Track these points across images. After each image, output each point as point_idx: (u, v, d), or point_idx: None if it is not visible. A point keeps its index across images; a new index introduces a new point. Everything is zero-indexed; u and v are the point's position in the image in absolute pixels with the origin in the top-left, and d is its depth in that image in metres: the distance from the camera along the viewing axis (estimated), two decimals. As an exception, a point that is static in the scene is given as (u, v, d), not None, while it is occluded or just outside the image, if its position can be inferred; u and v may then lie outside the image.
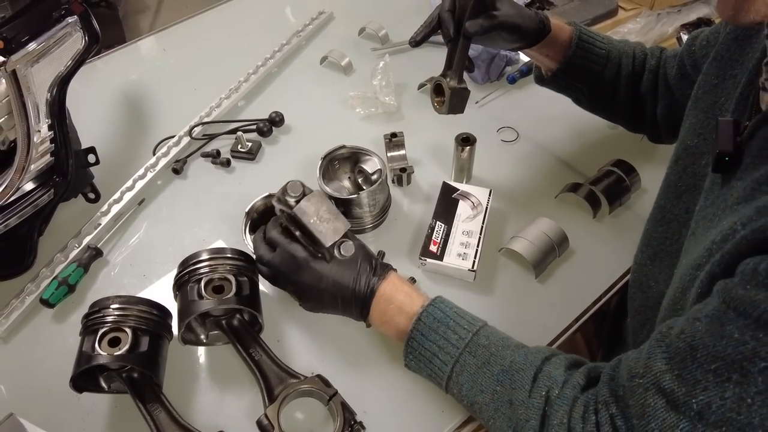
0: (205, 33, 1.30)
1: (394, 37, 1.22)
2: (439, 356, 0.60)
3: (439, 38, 1.21)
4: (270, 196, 0.80)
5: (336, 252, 0.61)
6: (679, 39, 2.15)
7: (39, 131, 0.83)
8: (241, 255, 0.73)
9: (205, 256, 0.71)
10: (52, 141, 0.84)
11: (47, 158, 0.83)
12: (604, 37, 0.84)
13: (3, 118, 0.81)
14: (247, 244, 0.78)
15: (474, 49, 1.05)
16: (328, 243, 0.60)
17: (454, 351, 0.59)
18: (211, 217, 0.92)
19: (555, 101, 0.93)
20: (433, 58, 1.17)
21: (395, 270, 0.69)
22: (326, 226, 0.58)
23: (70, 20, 0.89)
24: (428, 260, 0.80)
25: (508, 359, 0.57)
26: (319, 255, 0.63)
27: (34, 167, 0.82)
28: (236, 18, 1.34)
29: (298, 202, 0.58)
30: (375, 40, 1.21)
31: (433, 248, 0.81)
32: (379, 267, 0.67)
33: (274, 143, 1.02)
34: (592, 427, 0.48)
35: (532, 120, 1.04)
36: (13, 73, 0.81)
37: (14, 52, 0.82)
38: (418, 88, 1.10)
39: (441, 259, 0.79)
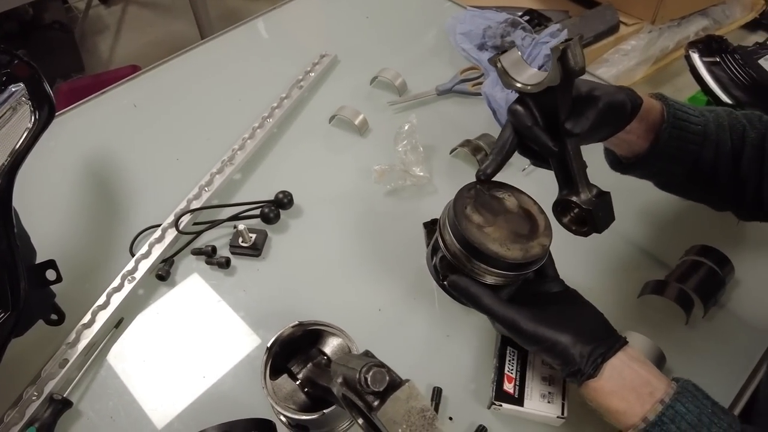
0: (183, 83, 1.09)
1: (413, 86, 1.03)
2: None
3: (465, 87, 1.05)
4: (301, 324, 0.61)
5: None
6: (688, 57, 2.03)
7: (-24, 254, 0.62)
8: (261, 427, 0.54)
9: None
10: (-6, 264, 0.63)
11: (-11, 287, 0.63)
12: (695, 108, 0.68)
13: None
14: (267, 394, 0.59)
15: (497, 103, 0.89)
16: None
17: None
18: (213, 340, 0.72)
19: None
20: (463, 111, 1.00)
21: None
22: (419, 439, 0.39)
23: (14, 89, 0.69)
24: (505, 405, 0.62)
25: None
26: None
27: (-27, 302, 0.62)
28: (219, 63, 1.13)
29: (382, 399, 0.39)
30: (391, 90, 1.03)
31: (508, 387, 0.63)
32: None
33: (282, 231, 0.83)
34: None
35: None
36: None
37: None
38: (451, 153, 0.92)
39: (521, 404, 0.62)
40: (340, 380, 0.42)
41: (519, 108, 0.55)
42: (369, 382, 0.38)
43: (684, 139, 0.65)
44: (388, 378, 0.39)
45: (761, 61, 1.82)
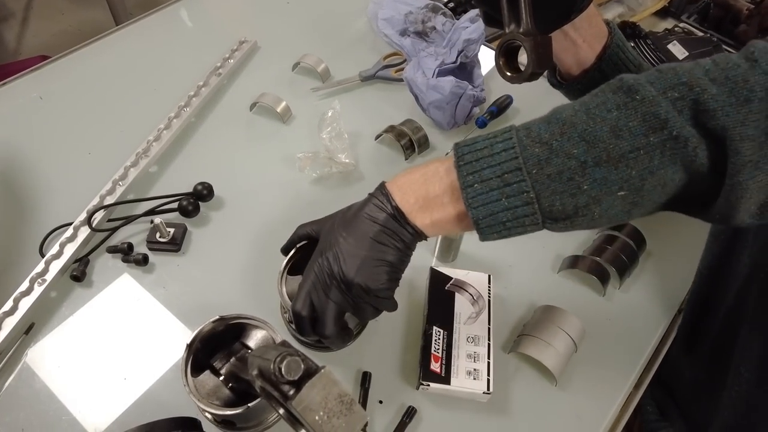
0: (94, 73, 1.03)
1: (336, 72, 1.02)
2: (510, 182, 0.48)
3: (388, 73, 1.05)
4: (222, 319, 0.59)
5: None
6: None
7: None
8: (185, 425, 0.53)
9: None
10: None
11: None
12: None
13: None
14: (189, 392, 0.57)
15: (439, 92, 0.89)
16: None
17: (515, 163, 0.47)
18: (133, 340, 0.69)
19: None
20: (387, 97, 1.00)
21: None
22: (336, 423, 0.39)
23: None
24: (432, 385, 0.63)
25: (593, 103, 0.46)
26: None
27: None
28: (134, 52, 1.08)
29: (297, 388, 0.38)
30: (313, 76, 1.01)
31: (435, 366, 0.64)
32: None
33: (202, 224, 0.80)
34: None
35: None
36: None
37: None
38: (376, 139, 0.92)
39: (448, 383, 0.63)
40: (255, 372, 0.41)
41: None
42: (283, 372, 0.38)
43: (625, 60, 0.70)
44: (303, 366, 0.38)
45: (670, 46, 1.93)
